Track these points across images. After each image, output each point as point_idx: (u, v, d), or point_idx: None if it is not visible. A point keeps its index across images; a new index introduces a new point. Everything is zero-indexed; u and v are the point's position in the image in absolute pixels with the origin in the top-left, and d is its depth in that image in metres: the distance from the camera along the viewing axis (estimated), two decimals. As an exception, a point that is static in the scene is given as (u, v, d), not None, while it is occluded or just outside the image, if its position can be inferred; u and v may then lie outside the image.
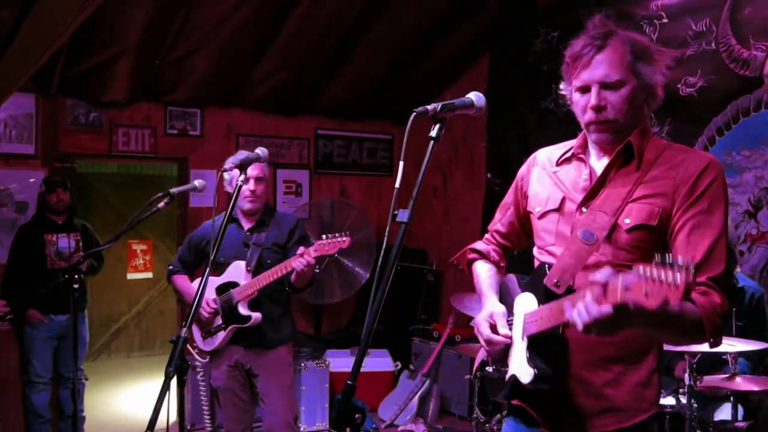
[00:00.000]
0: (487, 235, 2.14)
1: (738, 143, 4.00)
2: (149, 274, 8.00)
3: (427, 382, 5.26)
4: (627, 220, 1.68)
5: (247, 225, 3.44)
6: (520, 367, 1.73)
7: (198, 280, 3.47)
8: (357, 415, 4.90)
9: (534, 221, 1.91)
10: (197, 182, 3.14)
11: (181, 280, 3.56)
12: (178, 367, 2.12)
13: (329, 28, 5.16)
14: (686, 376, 2.94)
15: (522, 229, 2.03)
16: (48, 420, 4.57)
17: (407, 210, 1.54)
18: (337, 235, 3.06)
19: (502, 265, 2.09)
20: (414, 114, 1.57)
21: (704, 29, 4.11)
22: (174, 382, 2.10)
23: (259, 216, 3.44)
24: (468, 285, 2.15)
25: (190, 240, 3.61)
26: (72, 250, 4.59)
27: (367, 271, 5.81)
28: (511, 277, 1.97)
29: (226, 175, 3.37)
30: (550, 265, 1.76)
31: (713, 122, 4.11)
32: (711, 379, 3.05)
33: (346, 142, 6.54)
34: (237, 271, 3.34)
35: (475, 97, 1.69)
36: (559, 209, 1.82)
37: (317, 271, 3.30)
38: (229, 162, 2.75)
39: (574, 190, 1.81)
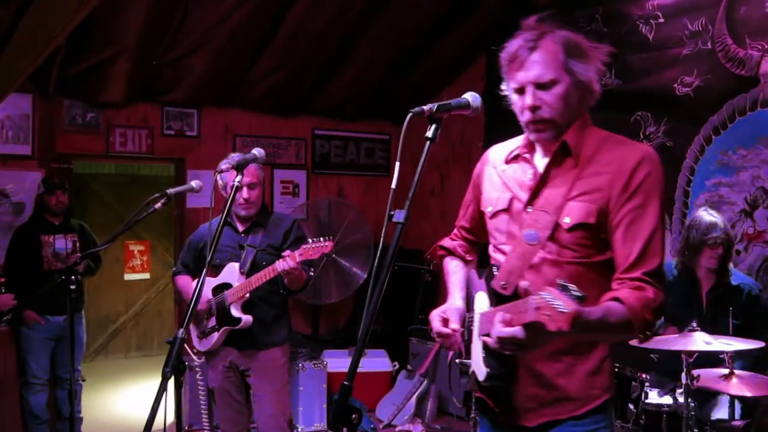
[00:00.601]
0: (454, 231, 2.18)
1: (734, 142, 4.00)
2: (146, 275, 8.00)
3: (425, 382, 5.26)
4: (567, 220, 1.72)
5: (241, 227, 3.43)
6: (478, 365, 1.78)
7: (195, 281, 3.49)
8: (354, 416, 4.91)
9: (487, 221, 1.95)
10: (194, 183, 3.14)
11: (183, 281, 3.56)
12: (175, 368, 2.12)
13: (329, 27, 5.15)
14: (683, 375, 2.95)
15: (483, 225, 2.05)
16: (45, 421, 4.56)
17: (403, 210, 1.54)
18: (321, 239, 3.06)
19: (468, 259, 2.13)
20: (410, 114, 1.58)
21: (700, 29, 4.12)
22: (171, 383, 2.10)
23: (255, 218, 3.42)
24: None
25: (189, 243, 3.62)
26: (69, 251, 4.59)
27: (364, 272, 5.81)
28: (473, 273, 2.01)
29: (219, 180, 3.36)
30: (499, 267, 1.80)
31: (709, 121, 4.12)
32: (708, 378, 3.06)
33: (343, 142, 6.54)
34: (231, 272, 3.34)
35: (471, 97, 1.70)
36: (508, 209, 1.86)
37: (311, 274, 3.30)
38: (225, 164, 2.75)
39: (520, 190, 1.84)
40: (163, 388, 2.06)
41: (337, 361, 5.32)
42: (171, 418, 3.11)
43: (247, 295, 3.23)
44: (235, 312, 3.27)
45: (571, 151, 1.76)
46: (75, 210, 5.01)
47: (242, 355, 3.37)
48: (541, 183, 1.79)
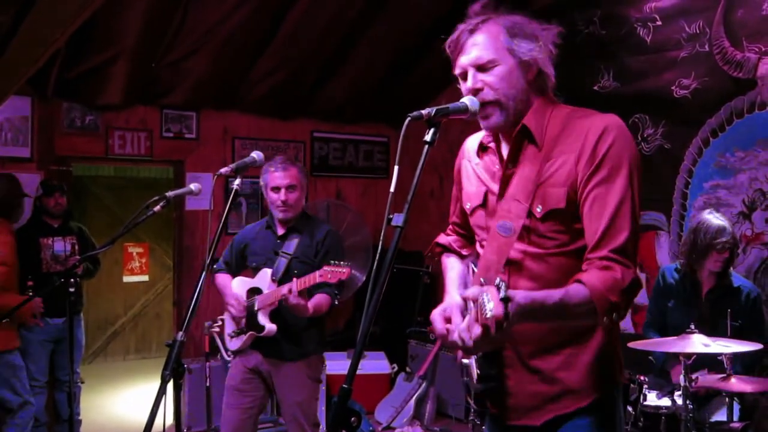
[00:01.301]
0: (449, 226, 2.15)
1: (732, 144, 4.02)
2: (145, 277, 8.00)
3: (424, 384, 5.26)
4: (539, 208, 1.66)
5: (280, 231, 3.39)
6: (473, 366, 1.77)
7: (237, 279, 3.48)
8: (353, 418, 4.91)
9: (469, 218, 1.91)
10: (193, 186, 3.12)
11: (223, 280, 3.52)
12: (174, 371, 2.12)
13: (329, 28, 5.15)
14: (681, 378, 2.95)
15: None
16: (44, 423, 4.56)
17: (402, 214, 1.54)
18: (341, 264, 3.01)
19: (465, 254, 2.09)
20: (408, 119, 1.56)
21: (698, 31, 4.14)
22: (170, 386, 2.10)
23: (292, 223, 3.37)
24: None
25: (232, 243, 3.59)
26: (68, 254, 4.58)
27: (363, 274, 5.81)
28: (469, 273, 1.99)
29: (261, 181, 3.37)
30: (477, 263, 1.77)
31: (707, 124, 4.13)
32: (706, 380, 3.07)
33: (342, 145, 6.55)
34: (263, 278, 3.32)
35: (469, 101, 1.69)
36: (483, 204, 1.81)
37: (336, 303, 3.26)
38: (225, 169, 2.74)
39: (492, 181, 1.80)
40: (162, 391, 2.06)
41: (336, 363, 5.32)
42: (170, 420, 3.11)
43: (276, 303, 3.18)
44: (262, 319, 3.24)
45: (533, 134, 1.70)
46: (74, 212, 5.01)
47: (266, 361, 3.33)
48: (508, 171, 1.74)
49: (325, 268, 3.02)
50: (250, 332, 3.27)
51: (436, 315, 1.78)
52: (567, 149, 1.65)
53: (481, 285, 1.67)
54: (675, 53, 4.26)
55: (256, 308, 3.26)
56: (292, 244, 3.31)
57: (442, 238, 2.14)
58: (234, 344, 3.38)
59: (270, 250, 3.37)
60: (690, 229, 3.48)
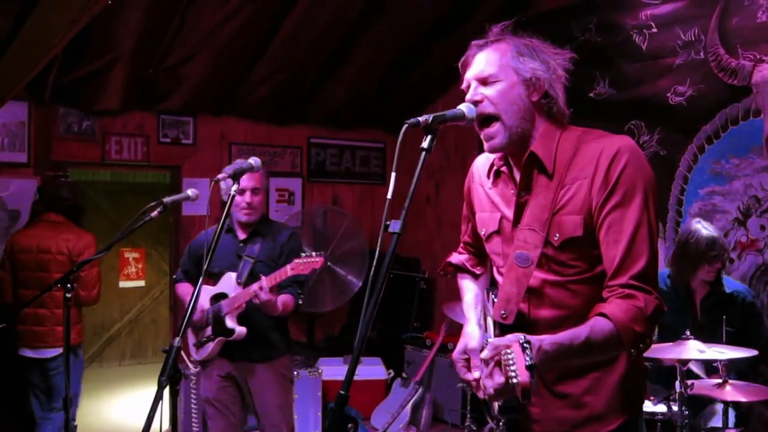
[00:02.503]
0: (461, 245, 2.13)
1: (727, 151, 4.03)
2: (141, 282, 7.98)
3: (420, 389, 5.26)
4: (556, 236, 1.64)
5: (242, 236, 3.40)
6: None
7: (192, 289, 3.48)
8: (349, 425, 4.90)
9: (484, 244, 1.88)
10: (190, 191, 3.12)
11: (183, 289, 3.55)
12: (171, 377, 2.12)
13: (328, 28, 5.16)
14: (677, 384, 2.96)
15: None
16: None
17: (399, 220, 1.54)
18: (314, 254, 3.04)
19: (477, 273, 2.07)
20: (405, 126, 1.56)
21: (693, 39, 4.16)
22: (167, 392, 2.10)
23: (255, 227, 3.40)
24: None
25: (189, 249, 3.60)
26: (64, 259, 4.56)
27: (359, 280, 5.81)
28: (484, 293, 1.95)
29: (222, 185, 3.35)
30: (497, 293, 1.74)
31: (702, 131, 4.15)
32: (702, 386, 3.07)
33: (338, 151, 6.56)
34: (228, 282, 3.32)
35: (466, 108, 1.69)
36: (499, 231, 1.79)
37: (300, 302, 3.29)
38: (224, 172, 2.75)
39: (507, 208, 1.77)
40: (158, 397, 2.06)
41: (333, 369, 5.31)
42: (166, 426, 3.11)
43: (243, 305, 3.20)
44: (230, 323, 3.24)
45: (542, 161, 1.68)
46: (70, 217, 5.00)
47: (237, 367, 3.35)
48: (521, 199, 1.72)
49: (296, 260, 3.04)
50: (219, 338, 3.27)
51: (457, 356, 1.77)
52: (580, 175, 1.63)
53: (504, 318, 1.67)
54: (670, 60, 4.28)
55: (223, 313, 3.26)
56: (256, 248, 3.33)
57: (455, 258, 2.11)
58: (201, 354, 3.36)
59: (232, 253, 3.37)
60: (680, 241, 3.44)
